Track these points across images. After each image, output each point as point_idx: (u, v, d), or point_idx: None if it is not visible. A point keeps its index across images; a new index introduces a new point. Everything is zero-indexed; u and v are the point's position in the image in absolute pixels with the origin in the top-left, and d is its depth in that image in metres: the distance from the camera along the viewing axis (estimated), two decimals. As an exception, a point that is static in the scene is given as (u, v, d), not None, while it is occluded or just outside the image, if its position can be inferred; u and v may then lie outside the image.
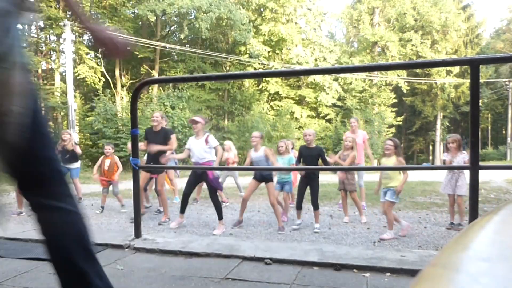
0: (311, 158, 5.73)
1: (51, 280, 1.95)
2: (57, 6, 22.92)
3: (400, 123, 31.54)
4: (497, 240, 0.53)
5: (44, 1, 23.52)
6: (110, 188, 7.02)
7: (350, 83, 29.60)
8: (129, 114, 13.30)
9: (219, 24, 24.54)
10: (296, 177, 7.22)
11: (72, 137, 7.97)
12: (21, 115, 1.22)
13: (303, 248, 2.35)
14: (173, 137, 6.24)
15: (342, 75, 29.18)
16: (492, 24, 71.83)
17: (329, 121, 29.26)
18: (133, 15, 25.12)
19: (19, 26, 1.26)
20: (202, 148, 5.61)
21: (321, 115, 29.49)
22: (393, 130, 30.51)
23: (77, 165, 7.94)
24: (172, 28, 28.16)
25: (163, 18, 25.91)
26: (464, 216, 5.70)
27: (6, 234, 2.92)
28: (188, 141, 5.84)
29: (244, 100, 27.53)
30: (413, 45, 30.22)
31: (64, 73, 22.61)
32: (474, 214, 2.07)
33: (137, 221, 2.68)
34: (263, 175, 5.75)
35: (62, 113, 23.43)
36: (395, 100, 31.07)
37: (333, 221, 6.14)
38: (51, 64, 25.61)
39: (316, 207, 5.69)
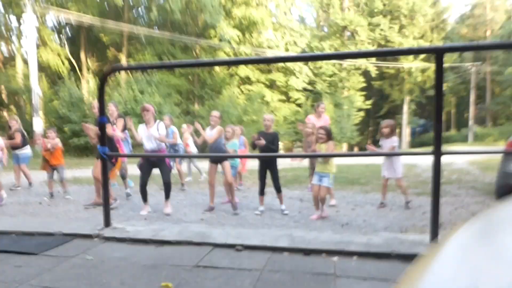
0: (268, 141, 5.83)
1: (18, 273, 1.91)
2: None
3: (369, 107, 32.12)
4: (463, 268, 0.50)
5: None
6: (55, 173, 6.88)
7: (320, 67, 29.81)
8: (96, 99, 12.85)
9: (188, 6, 24.02)
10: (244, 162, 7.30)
11: (18, 123, 7.75)
12: None
13: (274, 234, 2.39)
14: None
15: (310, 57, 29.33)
16: (457, 9, 73.62)
17: (299, 105, 29.46)
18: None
19: None
20: (156, 135, 5.61)
21: (291, 99, 29.63)
22: (361, 113, 31.04)
23: (25, 150, 7.77)
24: (140, 9, 27.37)
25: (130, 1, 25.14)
26: (408, 195, 6.02)
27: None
28: (139, 128, 5.79)
29: (214, 84, 27.27)
30: (381, 29, 30.63)
31: (26, 57, 21.63)
32: (436, 199, 2.15)
33: (106, 209, 2.64)
34: (214, 158, 5.82)
35: (25, 98, 22.50)
36: (364, 84, 31.54)
37: (303, 205, 6.25)
38: (11, 46, 24.45)
39: (278, 190, 5.81)
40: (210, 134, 5.80)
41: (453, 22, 40.66)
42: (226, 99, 25.38)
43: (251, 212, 5.79)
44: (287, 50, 28.11)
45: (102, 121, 2.49)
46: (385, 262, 2.00)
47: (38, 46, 22.93)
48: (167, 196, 5.67)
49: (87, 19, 21.75)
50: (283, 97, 29.67)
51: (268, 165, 5.85)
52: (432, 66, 31.87)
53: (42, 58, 23.56)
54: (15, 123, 7.56)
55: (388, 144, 5.83)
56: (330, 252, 2.11)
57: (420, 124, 39.60)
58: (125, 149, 7.56)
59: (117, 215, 5.31)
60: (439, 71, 2.05)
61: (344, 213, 5.82)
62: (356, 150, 34.04)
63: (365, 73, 31.46)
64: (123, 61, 25.65)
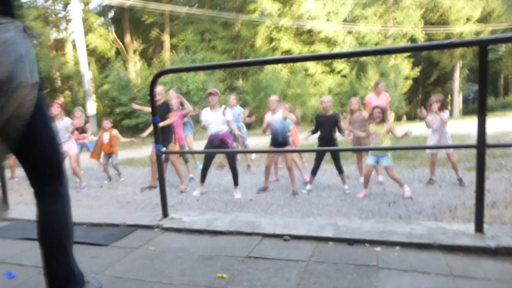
0: (328, 125, 5.88)
1: (93, 263, 2.18)
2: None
3: (417, 74, 30.85)
4: None
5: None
6: (110, 160, 7.35)
7: (364, 36, 28.83)
8: (142, 79, 13.55)
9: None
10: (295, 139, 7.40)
11: (83, 114, 8.17)
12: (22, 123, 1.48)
13: (319, 223, 2.52)
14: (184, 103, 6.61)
15: (356, 28, 28.44)
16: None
17: (344, 76, 28.83)
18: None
19: (28, 49, 1.47)
20: (220, 120, 5.82)
21: (335, 71, 29.02)
22: (409, 82, 29.91)
23: (91, 139, 8.26)
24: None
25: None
26: (459, 171, 5.90)
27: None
28: (203, 113, 6.01)
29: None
30: (429, -9, 28.96)
31: (74, 43, 22.57)
32: (480, 210, 2.18)
33: (164, 201, 2.88)
34: (280, 140, 5.91)
35: (77, 82, 23.63)
36: (411, 52, 30.24)
37: (350, 182, 6.32)
38: (61, 34, 25.50)
39: (340, 170, 5.90)
40: (272, 118, 5.89)
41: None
42: (269, 74, 25.34)
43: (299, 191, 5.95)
44: (328, 20, 27.35)
45: (155, 121, 2.69)
46: (427, 253, 2.08)
47: (85, 32, 23.86)
48: (235, 182, 5.88)
49: (129, 1, 22.27)
50: (327, 69, 29.12)
51: (328, 146, 5.91)
52: (487, 28, 29.89)
53: (90, 43, 24.52)
54: (81, 114, 7.86)
55: (437, 119, 5.71)
56: (373, 242, 2.22)
57: (474, 91, 37.57)
58: (189, 132, 7.97)
59: (174, 197, 5.66)
60: (484, 65, 2.03)
61: (391, 190, 5.85)
62: (404, 119, 32.92)
63: (412, 41, 30.06)
64: (167, 41, 26.15)
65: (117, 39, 26.49)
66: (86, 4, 23.89)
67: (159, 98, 6.35)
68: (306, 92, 25.11)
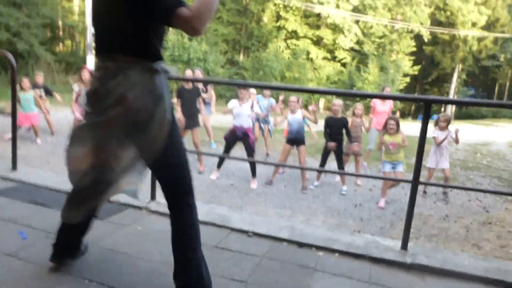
0: (336, 128, 6.30)
1: (89, 235, 2.66)
2: None
3: (416, 73, 31.20)
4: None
5: None
6: None
7: (371, 27, 28.94)
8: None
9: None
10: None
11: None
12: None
13: (279, 225, 3.03)
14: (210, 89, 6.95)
15: (363, 18, 28.45)
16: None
17: (344, 65, 29.07)
18: None
19: (166, 90, 1.78)
20: (247, 113, 6.19)
21: (336, 59, 29.23)
22: (407, 79, 30.26)
23: None
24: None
25: None
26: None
27: (47, 183, 3.64)
28: (231, 102, 6.36)
29: (261, 36, 27.28)
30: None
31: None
32: (407, 232, 2.68)
33: (153, 183, 3.34)
34: (296, 139, 6.35)
35: (78, 35, 23.56)
36: (414, 49, 30.45)
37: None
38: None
39: (342, 170, 6.40)
40: (292, 118, 6.30)
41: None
42: (271, 53, 25.47)
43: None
44: (338, 7, 27.33)
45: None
46: (359, 262, 2.61)
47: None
48: (253, 173, 6.30)
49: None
50: (328, 55, 29.30)
51: (336, 148, 6.38)
52: (491, 35, 30.13)
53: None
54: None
55: (443, 136, 6.13)
56: (318, 247, 2.74)
57: (469, 95, 38.09)
58: (207, 112, 8.37)
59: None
60: (425, 120, 2.48)
61: (362, 192, 6.36)
62: (398, 115, 33.34)
63: (417, 37, 30.23)
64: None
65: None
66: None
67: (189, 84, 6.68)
68: (304, 76, 25.38)
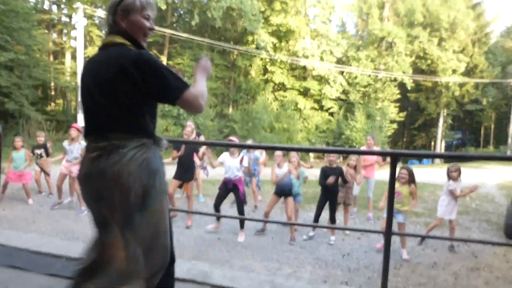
0: (333, 175, 6.38)
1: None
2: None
3: (402, 119, 31.97)
4: None
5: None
6: None
7: (355, 77, 29.96)
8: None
9: (229, 14, 24.83)
10: None
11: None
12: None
13: (260, 279, 3.03)
14: (202, 148, 7.11)
15: (347, 69, 29.50)
16: (504, 22, 70.64)
17: (331, 114, 29.78)
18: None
19: (159, 164, 1.82)
20: (236, 167, 6.33)
21: (324, 108, 29.99)
22: (394, 126, 30.95)
23: None
24: (182, 13, 28.42)
25: (175, 1, 26.11)
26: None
27: (28, 245, 3.61)
28: (222, 156, 6.49)
29: (249, 89, 28.05)
30: (420, 42, 30.40)
31: (74, 53, 23.10)
32: (385, 274, 2.71)
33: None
34: (284, 191, 6.39)
35: (70, 94, 24.02)
36: (399, 96, 31.41)
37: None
38: (63, 38, 25.92)
39: (333, 220, 6.38)
40: (279, 171, 6.38)
41: (498, 34, 39.48)
42: (260, 105, 26.06)
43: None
44: (322, 59, 28.44)
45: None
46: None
47: (86, 46, 24.49)
48: (241, 226, 6.29)
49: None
50: (316, 106, 30.05)
51: (330, 196, 6.42)
52: (471, 81, 31.25)
53: (89, 56, 25.02)
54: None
55: (457, 186, 6.14)
56: (299, 302, 2.73)
57: (456, 138, 38.82)
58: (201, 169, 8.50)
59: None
60: (393, 174, 2.57)
61: (349, 241, 6.28)
62: (388, 160, 33.65)
63: (401, 85, 31.29)
64: (164, 62, 26.84)
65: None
66: (90, 17, 24.59)
67: (187, 137, 6.94)
68: (293, 127, 25.84)
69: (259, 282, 2.96)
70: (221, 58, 27.45)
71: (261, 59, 28.59)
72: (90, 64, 1.87)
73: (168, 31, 24.06)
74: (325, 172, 6.45)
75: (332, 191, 6.40)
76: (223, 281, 2.98)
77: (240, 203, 6.34)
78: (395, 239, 6.34)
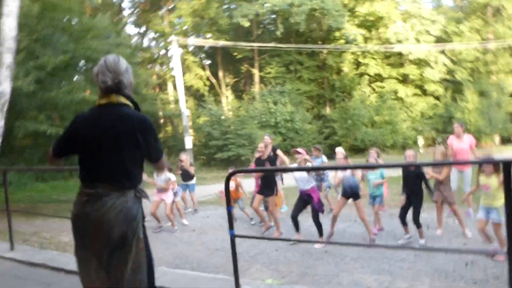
0: (411, 178, 5.97)
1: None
2: (163, 23, 25.38)
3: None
4: None
5: (152, 20, 26.12)
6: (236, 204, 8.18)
7: (460, 53, 27.25)
8: (234, 114, 14.69)
9: (312, 15, 24.56)
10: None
11: (188, 158, 9.34)
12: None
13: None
14: (279, 155, 7.17)
15: (449, 46, 27.03)
16: None
17: (437, 98, 27.44)
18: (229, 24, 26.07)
19: (138, 211, 2.12)
20: (306, 177, 6.35)
21: (427, 92, 27.73)
22: (516, 99, 27.36)
23: (193, 181, 9.27)
24: (267, 25, 28.85)
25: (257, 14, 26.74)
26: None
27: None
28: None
29: (343, 86, 27.28)
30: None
31: (174, 82, 24.88)
32: None
33: (236, 276, 3.37)
34: (352, 192, 6.25)
35: (177, 119, 25.83)
36: (517, 66, 27.74)
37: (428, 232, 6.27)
38: (163, 69, 28.13)
39: (418, 225, 5.89)
40: (344, 174, 6.30)
41: None
42: (357, 100, 25.23)
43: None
44: (418, 41, 26.45)
45: (229, 210, 3.27)
46: None
47: (183, 73, 26.28)
48: (319, 233, 6.31)
49: (222, 42, 24.17)
50: (418, 91, 27.99)
51: (413, 198, 5.98)
52: None
53: (187, 82, 26.81)
54: (185, 157, 9.23)
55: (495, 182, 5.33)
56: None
57: None
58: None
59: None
60: (507, 183, 2.18)
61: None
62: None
63: (517, 52, 27.61)
64: (256, 74, 27.55)
65: (211, 75, 28.63)
66: (184, 47, 26.35)
67: (261, 154, 7.16)
68: (396, 118, 24.41)
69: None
70: (311, 60, 27.22)
71: (352, 53, 27.65)
72: (95, 116, 2.13)
73: (255, 44, 24.65)
74: (404, 175, 6.00)
75: (414, 193, 5.87)
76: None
77: (316, 211, 6.23)
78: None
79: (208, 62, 30.08)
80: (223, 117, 20.76)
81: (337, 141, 24.48)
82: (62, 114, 9.86)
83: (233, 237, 3.29)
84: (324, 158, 8.86)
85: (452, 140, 7.36)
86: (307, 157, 6.83)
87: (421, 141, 24.56)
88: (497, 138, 27.70)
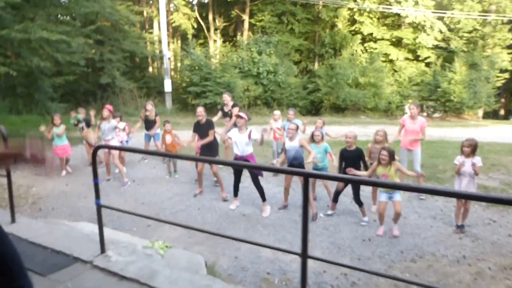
0: (352, 159, 6.04)
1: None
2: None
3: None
4: None
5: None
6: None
7: (458, 22, 26.51)
8: (218, 61, 14.45)
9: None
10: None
11: (153, 108, 9.30)
12: None
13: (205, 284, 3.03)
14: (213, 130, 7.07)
15: (448, 14, 26.17)
16: None
17: (428, 65, 26.99)
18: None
19: None
20: (244, 142, 6.26)
21: (420, 58, 27.22)
22: (506, 75, 27.02)
23: (158, 131, 9.24)
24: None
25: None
26: (466, 218, 5.69)
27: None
28: (231, 132, 6.49)
29: (334, 43, 26.61)
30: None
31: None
32: None
33: (101, 235, 3.49)
34: (292, 164, 6.17)
35: (158, 62, 25.18)
36: (513, 41, 27.12)
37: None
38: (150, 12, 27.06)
39: (359, 204, 6.05)
40: (290, 145, 6.20)
41: None
42: (345, 59, 24.77)
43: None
44: (416, 4, 25.54)
45: (96, 182, 3.32)
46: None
47: (171, 12, 25.37)
48: (262, 198, 6.32)
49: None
50: (410, 56, 27.46)
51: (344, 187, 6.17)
52: None
53: (174, 21, 25.95)
54: (151, 107, 9.19)
55: (469, 164, 5.51)
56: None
57: None
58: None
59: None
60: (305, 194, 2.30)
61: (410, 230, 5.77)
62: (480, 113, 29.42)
63: (516, 28, 26.89)
64: (246, 20, 26.72)
65: (199, 18, 27.71)
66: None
67: (201, 118, 7.04)
68: (381, 82, 24.09)
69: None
70: (304, 12, 26.33)
71: (349, 9, 26.73)
72: None
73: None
74: (343, 156, 6.06)
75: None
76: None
77: (255, 176, 6.24)
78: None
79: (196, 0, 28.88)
80: (202, 63, 20.32)
81: (319, 98, 24.32)
82: (19, 52, 9.64)
83: (99, 207, 3.33)
84: (298, 121, 8.43)
85: (406, 120, 7.39)
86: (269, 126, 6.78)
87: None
88: (480, 112, 27.72)
